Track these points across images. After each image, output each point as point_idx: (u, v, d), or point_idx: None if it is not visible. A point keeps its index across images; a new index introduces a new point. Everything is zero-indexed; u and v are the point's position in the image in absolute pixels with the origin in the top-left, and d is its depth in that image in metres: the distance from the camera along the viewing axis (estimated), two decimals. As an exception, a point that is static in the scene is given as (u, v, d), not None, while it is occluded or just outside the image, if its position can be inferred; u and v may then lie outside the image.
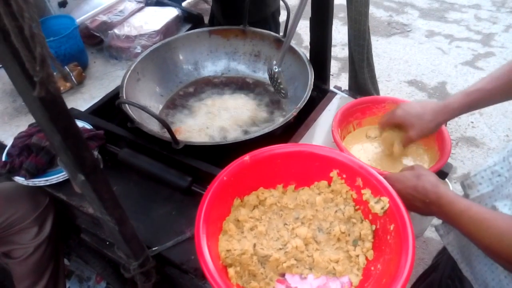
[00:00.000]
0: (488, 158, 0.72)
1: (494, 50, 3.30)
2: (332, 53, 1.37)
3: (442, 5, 3.92)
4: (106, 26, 1.61)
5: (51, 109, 0.48)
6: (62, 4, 1.65)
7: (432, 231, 2.05)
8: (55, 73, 0.44)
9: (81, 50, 1.52)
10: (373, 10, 3.83)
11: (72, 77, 1.44)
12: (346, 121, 1.14)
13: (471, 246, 0.73)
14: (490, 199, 0.70)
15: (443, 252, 1.03)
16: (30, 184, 1.06)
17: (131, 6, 1.72)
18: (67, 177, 1.07)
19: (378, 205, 0.82)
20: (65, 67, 1.43)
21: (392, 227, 0.79)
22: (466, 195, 0.74)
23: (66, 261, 1.54)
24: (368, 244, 0.83)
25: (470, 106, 0.85)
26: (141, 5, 1.74)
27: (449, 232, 0.82)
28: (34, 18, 0.39)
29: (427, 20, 3.72)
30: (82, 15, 1.64)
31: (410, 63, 3.21)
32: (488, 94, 0.82)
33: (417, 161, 1.08)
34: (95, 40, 1.64)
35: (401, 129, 0.98)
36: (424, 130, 0.91)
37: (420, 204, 0.77)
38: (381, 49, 3.35)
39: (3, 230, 1.12)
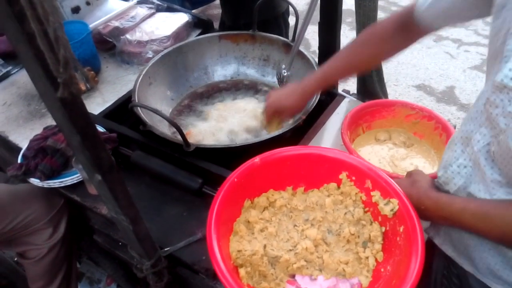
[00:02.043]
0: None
1: (503, 55, 3.28)
2: (341, 58, 1.38)
3: (450, 10, 3.91)
4: (118, 32, 1.64)
5: (71, 109, 0.50)
6: (75, 10, 1.69)
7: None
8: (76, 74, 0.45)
9: (94, 55, 1.55)
10: (381, 15, 3.79)
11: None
12: (356, 123, 1.15)
13: (464, 239, 0.75)
14: (465, 190, 0.73)
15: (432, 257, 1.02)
16: (45, 186, 1.08)
17: (142, 12, 1.75)
18: (81, 179, 1.10)
19: (388, 207, 0.82)
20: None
21: (401, 229, 0.79)
22: (446, 191, 0.76)
23: (77, 263, 1.56)
24: (378, 246, 0.83)
25: (324, 79, 1.03)
26: (152, 11, 1.78)
27: (439, 232, 0.83)
28: (58, 21, 0.41)
29: (435, 24, 3.71)
30: (95, 21, 1.67)
31: (418, 68, 3.21)
32: (335, 70, 1.01)
33: (427, 163, 1.08)
34: (108, 45, 1.67)
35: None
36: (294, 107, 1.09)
37: (416, 210, 0.79)
38: (389, 53, 3.35)
39: (19, 231, 1.14)
